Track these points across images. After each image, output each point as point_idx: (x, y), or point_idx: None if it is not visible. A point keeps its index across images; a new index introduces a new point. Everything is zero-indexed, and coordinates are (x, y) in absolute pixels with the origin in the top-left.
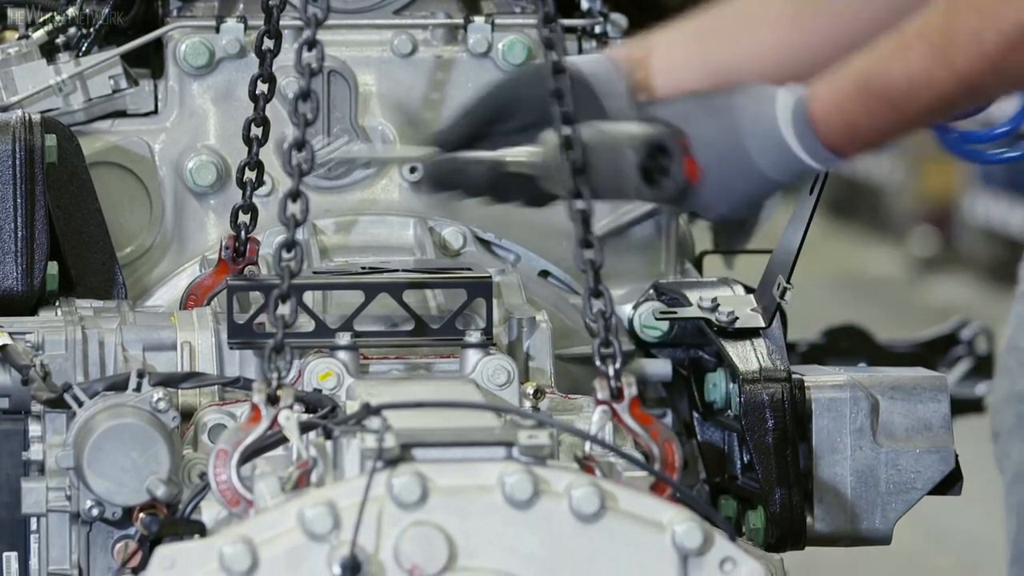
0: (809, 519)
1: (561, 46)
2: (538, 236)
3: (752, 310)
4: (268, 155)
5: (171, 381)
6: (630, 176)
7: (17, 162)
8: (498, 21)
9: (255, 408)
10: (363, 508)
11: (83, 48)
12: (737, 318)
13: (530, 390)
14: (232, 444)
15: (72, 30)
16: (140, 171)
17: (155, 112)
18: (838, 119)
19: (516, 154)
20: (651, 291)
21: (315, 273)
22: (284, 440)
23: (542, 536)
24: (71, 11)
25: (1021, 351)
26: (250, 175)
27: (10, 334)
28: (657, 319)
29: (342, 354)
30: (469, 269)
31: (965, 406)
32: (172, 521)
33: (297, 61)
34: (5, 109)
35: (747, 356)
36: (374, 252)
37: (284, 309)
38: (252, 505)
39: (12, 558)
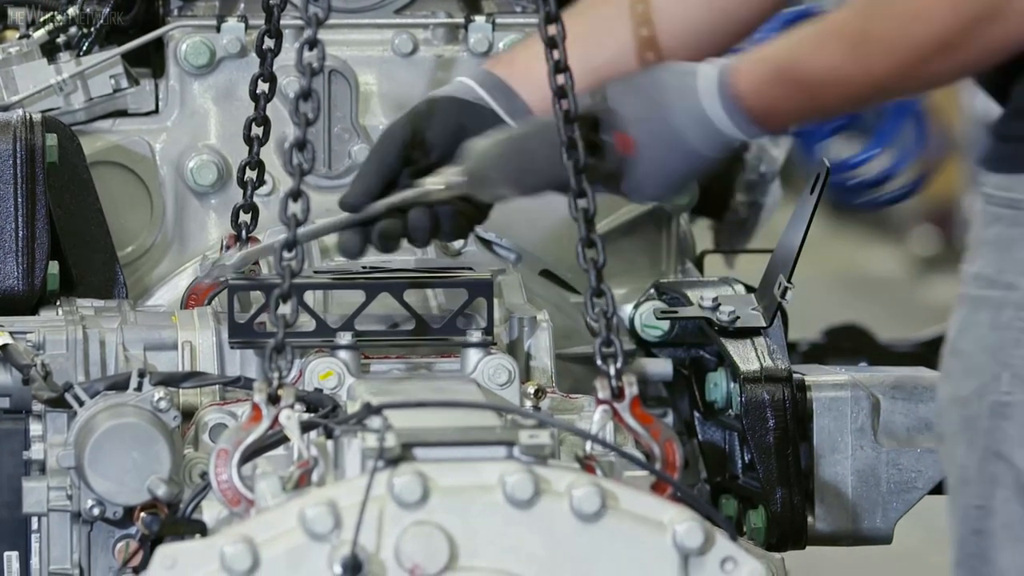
0: (810, 519)
1: (563, 45)
2: (539, 236)
3: (753, 309)
4: (269, 155)
5: (172, 381)
6: (568, 155)
7: (18, 161)
8: (499, 21)
9: (256, 408)
10: (364, 508)
11: (84, 47)
12: (738, 317)
13: (531, 390)
14: (233, 444)
15: (73, 29)
16: (141, 171)
17: (156, 112)
18: (757, 99)
19: (435, 181)
20: (652, 290)
21: (316, 273)
22: (285, 440)
23: (543, 536)
24: (72, 11)
25: (964, 354)
26: (251, 175)
27: (11, 333)
28: (658, 318)
29: (343, 354)
30: (470, 269)
31: None
32: (173, 521)
33: (298, 60)
34: (6, 108)
35: (748, 355)
36: (374, 252)
37: (285, 309)
38: (253, 505)
39: (13, 557)
